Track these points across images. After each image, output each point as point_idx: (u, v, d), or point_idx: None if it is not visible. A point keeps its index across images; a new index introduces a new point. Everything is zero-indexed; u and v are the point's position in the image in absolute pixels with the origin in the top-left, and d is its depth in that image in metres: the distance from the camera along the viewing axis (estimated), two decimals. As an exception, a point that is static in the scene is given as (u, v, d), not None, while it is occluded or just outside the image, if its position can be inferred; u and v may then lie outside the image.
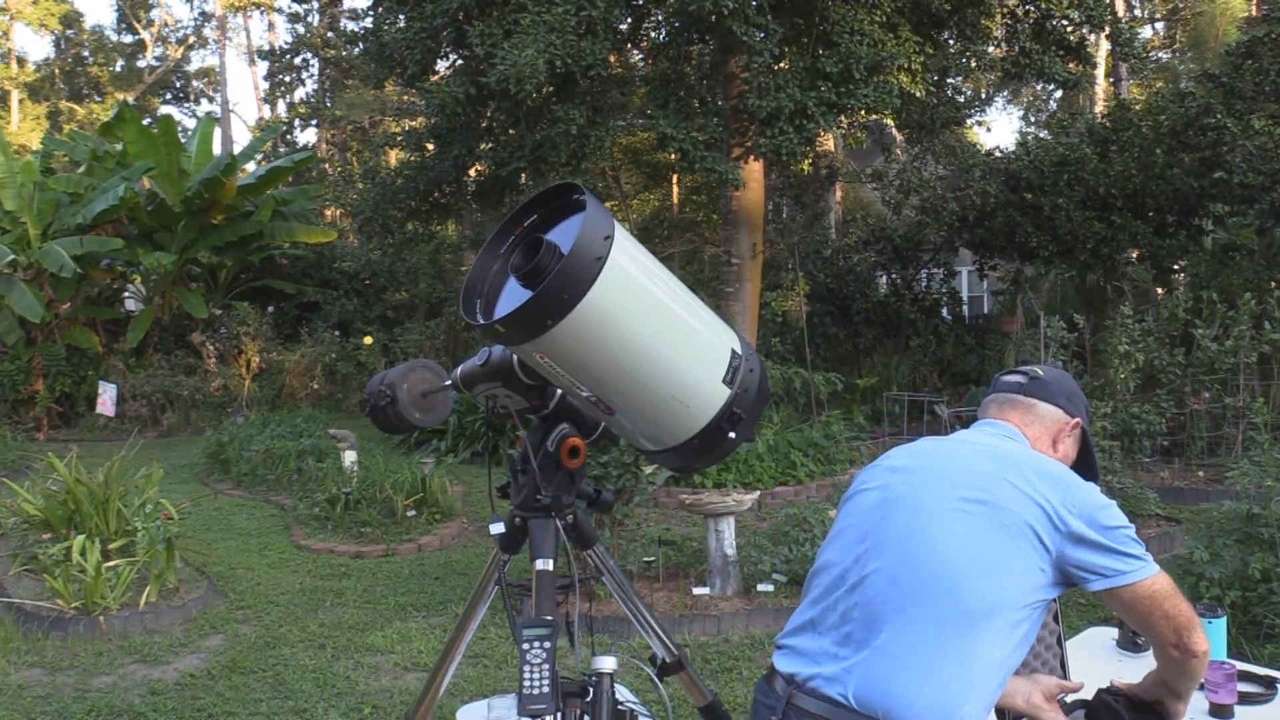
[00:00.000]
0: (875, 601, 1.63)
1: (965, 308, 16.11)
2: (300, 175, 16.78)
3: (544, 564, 1.82)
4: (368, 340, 14.18)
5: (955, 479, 1.72)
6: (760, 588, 5.04)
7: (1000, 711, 1.79)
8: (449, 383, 1.97)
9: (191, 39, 34.81)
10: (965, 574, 1.61)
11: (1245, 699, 2.11)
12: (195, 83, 36.00)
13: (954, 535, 1.65)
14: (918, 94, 9.65)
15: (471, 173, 11.70)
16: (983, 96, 19.98)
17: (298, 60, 28.02)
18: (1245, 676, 2.20)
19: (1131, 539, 1.66)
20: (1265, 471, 4.47)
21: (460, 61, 10.25)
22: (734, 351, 1.71)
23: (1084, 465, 1.92)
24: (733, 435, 1.71)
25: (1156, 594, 1.65)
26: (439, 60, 10.66)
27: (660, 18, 11.08)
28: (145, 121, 13.68)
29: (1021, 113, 30.96)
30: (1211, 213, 10.62)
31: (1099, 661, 2.36)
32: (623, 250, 1.52)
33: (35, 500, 5.91)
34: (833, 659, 1.64)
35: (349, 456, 7.57)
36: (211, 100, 35.89)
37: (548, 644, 1.64)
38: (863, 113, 9.83)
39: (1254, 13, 16.73)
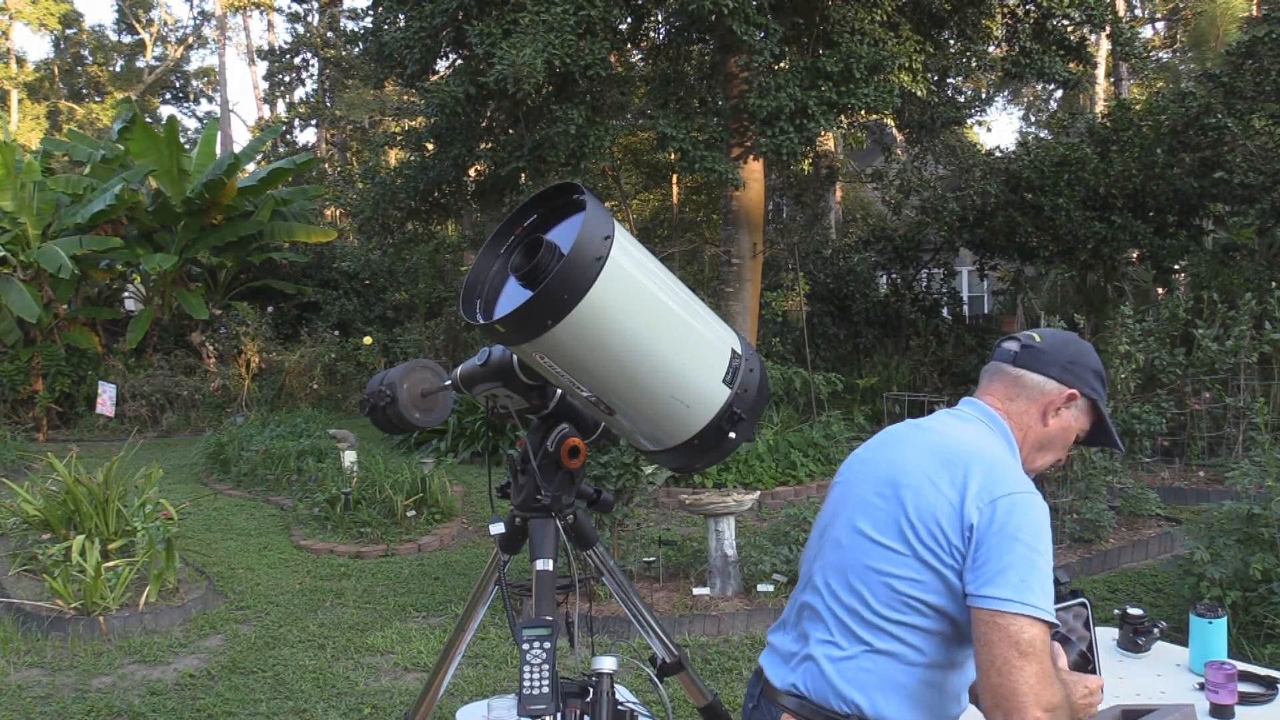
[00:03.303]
0: (815, 599, 1.71)
1: (965, 308, 16.12)
2: (300, 175, 16.77)
3: (544, 564, 1.82)
4: (367, 340, 14.18)
5: (883, 475, 1.68)
6: (760, 588, 5.04)
7: None
8: (449, 383, 1.96)
9: (191, 39, 34.86)
10: (861, 578, 1.63)
11: (1245, 699, 2.11)
12: (195, 82, 36.04)
13: (865, 533, 1.65)
14: (918, 93, 9.65)
15: (471, 173, 11.69)
16: (983, 96, 20.00)
17: (297, 60, 28.03)
18: (1245, 677, 2.19)
19: (1032, 570, 1.49)
20: (1266, 471, 4.47)
21: (460, 61, 10.25)
22: (734, 351, 1.71)
23: (1099, 438, 1.79)
24: (733, 435, 1.71)
25: (1011, 641, 1.46)
26: (439, 60, 10.65)
27: (660, 17, 11.07)
28: (147, 121, 13.65)
29: (1022, 113, 30.99)
30: (1212, 212, 10.62)
31: (1099, 663, 2.36)
32: (623, 250, 1.52)
33: (35, 500, 5.91)
34: (791, 656, 1.72)
35: (349, 456, 7.57)
36: (211, 100, 35.95)
37: (548, 644, 1.64)
38: (863, 112, 9.82)
39: (1254, 12, 16.73)
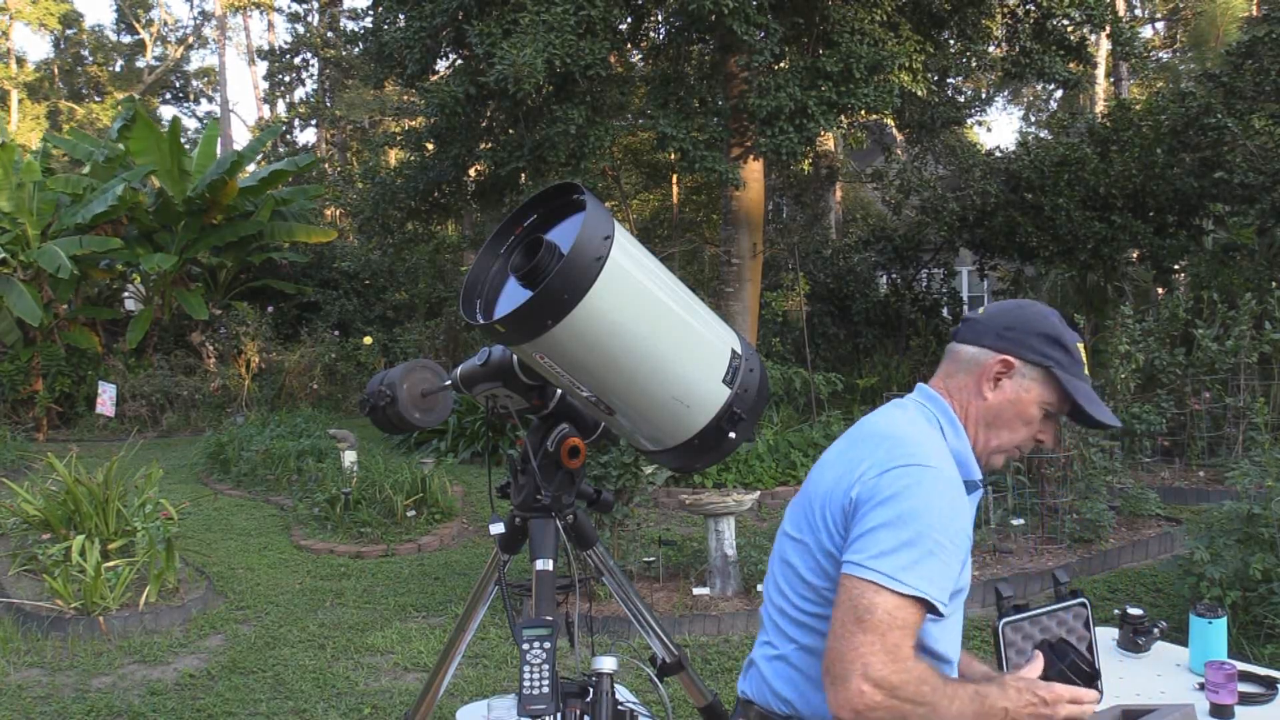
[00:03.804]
0: (762, 606, 1.73)
1: (965, 308, 16.11)
2: (300, 175, 16.77)
3: (544, 564, 1.82)
4: (367, 340, 14.18)
5: (812, 474, 1.66)
6: (760, 588, 5.04)
7: None
8: (449, 383, 1.96)
9: (191, 39, 34.86)
10: (782, 575, 1.63)
11: (1246, 699, 2.10)
12: (195, 82, 36.05)
13: (787, 531, 1.65)
14: (918, 93, 9.65)
15: (471, 173, 11.69)
16: (983, 96, 20.00)
17: (297, 60, 28.03)
18: (1246, 677, 2.19)
19: (902, 539, 1.38)
20: (1266, 471, 4.47)
21: (460, 61, 10.25)
22: (734, 351, 1.70)
23: (1081, 415, 1.59)
24: (733, 435, 1.71)
25: (850, 606, 1.37)
26: (439, 60, 10.66)
27: (660, 17, 11.07)
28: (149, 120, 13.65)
29: (1022, 113, 31.00)
30: (1212, 212, 10.62)
31: (1099, 663, 2.36)
32: (623, 250, 1.52)
33: (35, 500, 5.91)
34: (747, 664, 1.76)
35: (349, 456, 7.57)
36: (211, 100, 35.95)
37: (548, 644, 1.64)
38: (863, 112, 9.82)
39: (1254, 12, 16.73)
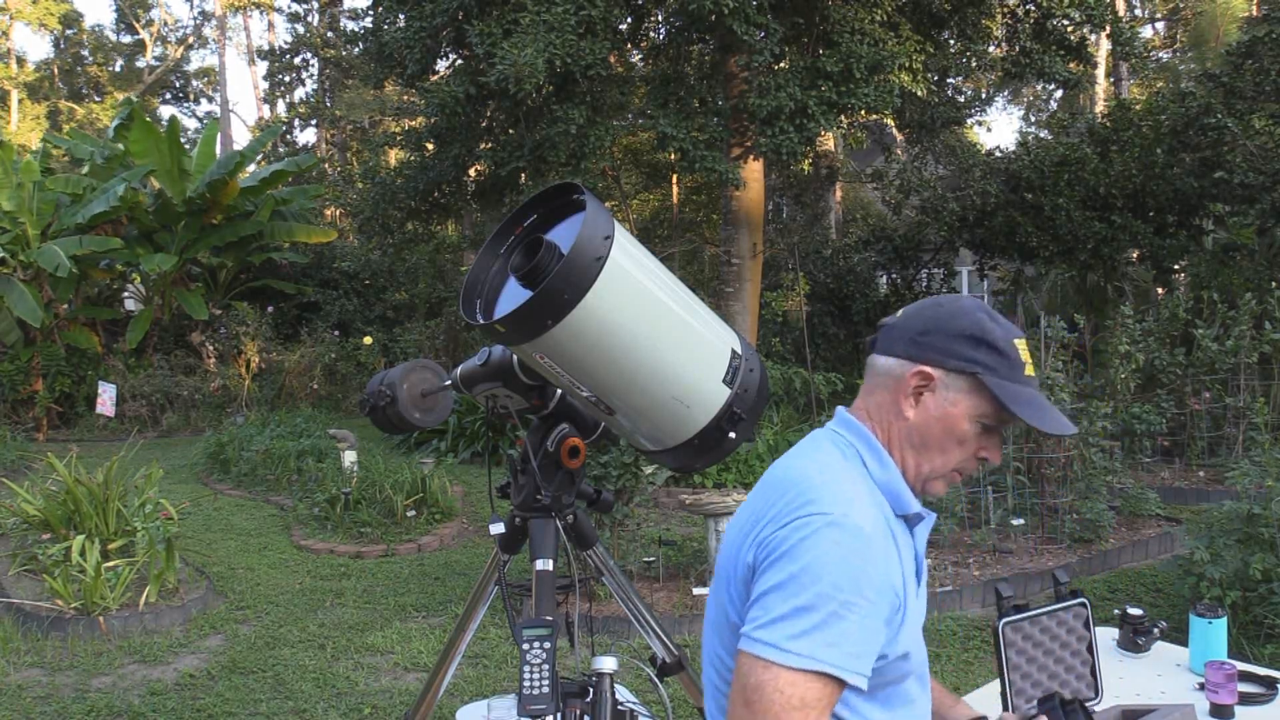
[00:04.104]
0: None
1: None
2: (300, 175, 16.78)
3: (544, 564, 1.82)
4: (368, 340, 14.18)
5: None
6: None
7: None
8: (449, 383, 1.97)
9: (191, 39, 34.86)
10: (710, 651, 1.44)
11: (1245, 699, 2.10)
12: (195, 82, 36.05)
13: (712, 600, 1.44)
14: (918, 93, 9.65)
15: (471, 173, 11.69)
16: (983, 96, 20.00)
17: (298, 60, 28.02)
18: (1245, 677, 2.19)
19: (797, 605, 1.17)
20: (1266, 471, 4.47)
21: (460, 61, 10.25)
22: (734, 351, 1.70)
23: (1031, 418, 1.33)
24: (733, 435, 1.71)
25: (739, 686, 1.19)
26: (439, 60, 10.66)
27: (660, 17, 11.07)
28: (148, 121, 13.65)
29: (1022, 113, 31.01)
30: (1212, 212, 10.62)
31: (1099, 663, 2.36)
32: (623, 250, 1.52)
33: (35, 500, 5.91)
34: None
35: (349, 456, 7.57)
36: (211, 100, 35.95)
37: (548, 644, 1.64)
38: (863, 112, 9.82)
39: (1254, 12, 16.73)
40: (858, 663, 1.18)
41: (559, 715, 1.68)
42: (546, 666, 1.62)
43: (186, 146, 17.20)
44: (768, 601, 1.19)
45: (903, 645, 1.29)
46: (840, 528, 1.20)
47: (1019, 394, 1.33)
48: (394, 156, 18.18)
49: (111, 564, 5.26)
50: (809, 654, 1.15)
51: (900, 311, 1.42)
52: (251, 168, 16.31)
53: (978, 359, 1.32)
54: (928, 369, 1.33)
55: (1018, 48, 10.26)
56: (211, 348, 13.38)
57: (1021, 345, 1.36)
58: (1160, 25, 25.45)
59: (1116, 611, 2.49)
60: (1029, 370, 1.35)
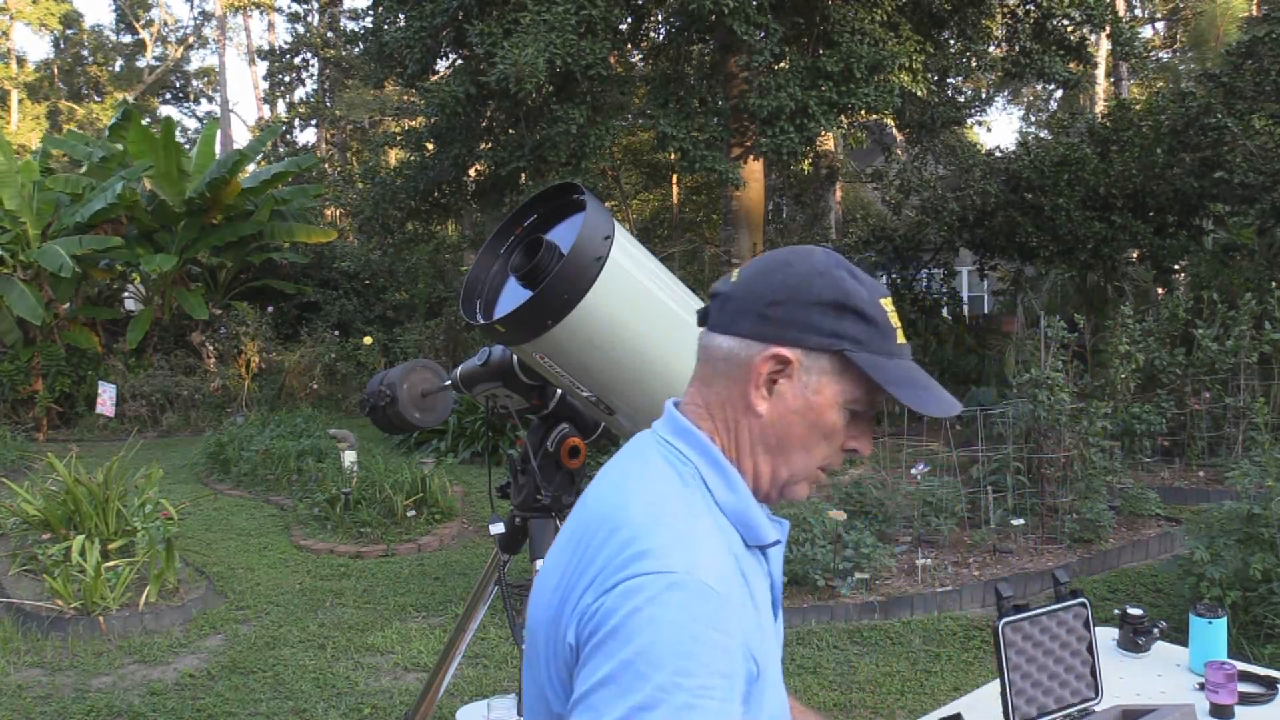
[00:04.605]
0: None
1: (965, 308, 16.11)
2: (300, 175, 16.78)
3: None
4: (368, 340, 14.18)
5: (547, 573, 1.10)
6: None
7: None
8: (449, 383, 1.97)
9: (191, 39, 34.87)
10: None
11: (1245, 699, 2.10)
12: (195, 82, 36.06)
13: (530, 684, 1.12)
14: (918, 93, 9.66)
15: (471, 172, 11.70)
16: (983, 96, 20.00)
17: (298, 60, 28.03)
18: (1245, 677, 2.19)
19: (631, 706, 0.87)
20: (1266, 471, 4.47)
21: (460, 61, 10.26)
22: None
23: (911, 400, 1.05)
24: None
25: None
26: (439, 60, 10.67)
27: (660, 17, 11.08)
28: (145, 122, 13.66)
29: (1022, 113, 31.02)
30: (1212, 212, 10.63)
31: (1099, 663, 2.36)
32: (623, 250, 1.52)
33: (35, 500, 5.91)
34: None
35: (349, 456, 7.57)
36: (211, 100, 35.96)
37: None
38: (863, 112, 9.84)
39: (1254, 12, 16.73)
40: None
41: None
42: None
43: (186, 146, 17.21)
44: (596, 701, 0.89)
45: (762, 714, 1.02)
46: (683, 590, 0.92)
47: (895, 371, 1.06)
48: (394, 156, 18.19)
49: (111, 564, 5.26)
50: None
51: (736, 273, 1.10)
52: (251, 167, 16.32)
53: (843, 331, 1.04)
54: (783, 350, 1.03)
55: (1018, 48, 10.27)
56: (211, 348, 13.39)
57: (889, 306, 1.09)
58: (1160, 25, 25.47)
59: (1116, 611, 2.49)
60: (900, 338, 1.09)
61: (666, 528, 0.97)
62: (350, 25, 25.01)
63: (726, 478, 1.06)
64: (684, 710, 0.88)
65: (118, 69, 34.44)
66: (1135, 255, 11.47)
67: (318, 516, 7.16)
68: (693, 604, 0.92)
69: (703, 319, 1.10)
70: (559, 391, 1.88)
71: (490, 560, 2.03)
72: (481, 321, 1.58)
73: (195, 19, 38.78)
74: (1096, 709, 1.91)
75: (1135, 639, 2.40)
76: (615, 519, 0.99)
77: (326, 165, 23.90)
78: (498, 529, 1.92)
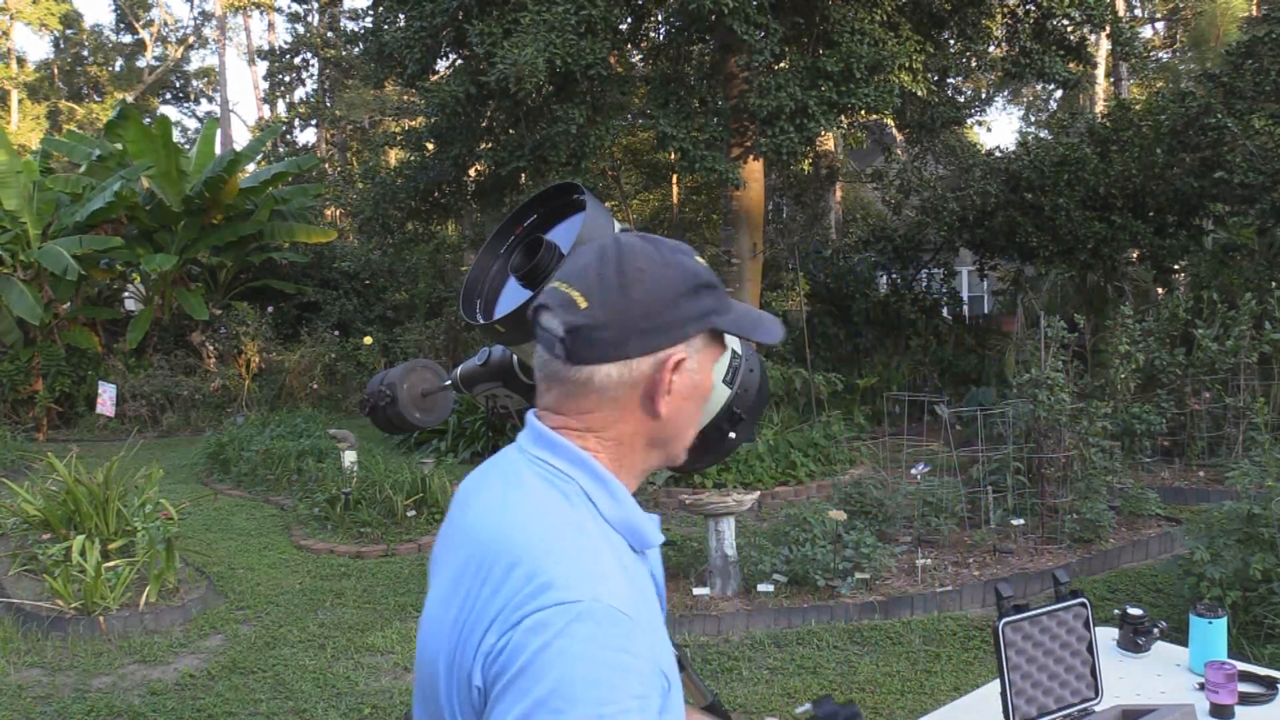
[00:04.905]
0: None
1: (965, 308, 16.12)
2: (300, 175, 16.80)
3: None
4: (368, 340, 14.19)
5: (426, 612, 1.08)
6: (760, 588, 5.04)
7: None
8: (449, 383, 1.96)
9: (191, 39, 34.87)
10: None
11: (1246, 699, 2.10)
12: (195, 83, 36.06)
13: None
14: (918, 93, 9.66)
15: (471, 172, 11.70)
16: (983, 96, 20.02)
17: (298, 60, 28.03)
18: (1246, 677, 2.19)
19: None
20: (1266, 471, 4.47)
21: (460, 61, 10.26)
22: (734, 351, 1.70)
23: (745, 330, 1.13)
24: (733, 435, 1.70)
25: None
26: (439, 60, 10.67)
27: (660, 17, 11.09)
28: (145, 121, 13.65)
29: (1021, 113, 31.02)
30: (1212, 212, 10.63)
31: (1099, 663, 2.36)
32: (623, 250, 1.52)
33: (35, 500, 5.91)
34: None
35: (349, 456, 7.57)
36: (211, 100, 35.96)
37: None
38: (863, 112, 9.83)
39: (1254, 12, 16.74)
40: None
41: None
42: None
43: (185, 146, 17.21)
44: None
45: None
46: (591, 619, 0.90)
47: (745, 318, 1.12)
48: (394, 156, 18.19)
49: (111, 564, 5.26)
50: None
51: (579, 299, 1.04)
52: (251, 167, 16.32)
53: (705, 308, 1.08)
54: (675, 352, 1.06)
55: (1018, 48, 10.27)
56: (211, 348, 13.39)
57: (701, 260, 1.11)
58: (1160, 25, 25.47)
59: (1116, 611, 2.49)
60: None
61: (565, 555, 0.96)
62: (350, 25, 25.04)
63: (610, 489, 1.06)
64: None
65: (118, 69, 34.44)
66: (1135, 255, 11.48)
67: (318, 516, 7.17)
68: (601, 632, 0.90)
69: (554, 348, 1.05)
70: (559, 391, 1.88)
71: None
72: (481, 321, 1.58)
73: (195, 19, 38.81)
74: (1096, 709, 1.91)
75: (1135, 639, 2.40)
76: (512, 551, 0.97)
77: (326, 165, 23.91)
78: (498, 529, 1.92)
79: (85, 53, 34.04)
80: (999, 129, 51.85)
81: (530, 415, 1.12)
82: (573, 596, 0.91)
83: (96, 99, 33.38)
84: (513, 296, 1.63)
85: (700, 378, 1.10)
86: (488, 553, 0.99)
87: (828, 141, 15.93)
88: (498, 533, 1.00)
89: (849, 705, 1.52)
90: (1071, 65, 10.40)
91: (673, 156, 10.81)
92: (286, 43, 28.19)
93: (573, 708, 0.86)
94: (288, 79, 28.81)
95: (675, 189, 18.97)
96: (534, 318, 1.09)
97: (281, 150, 24.25)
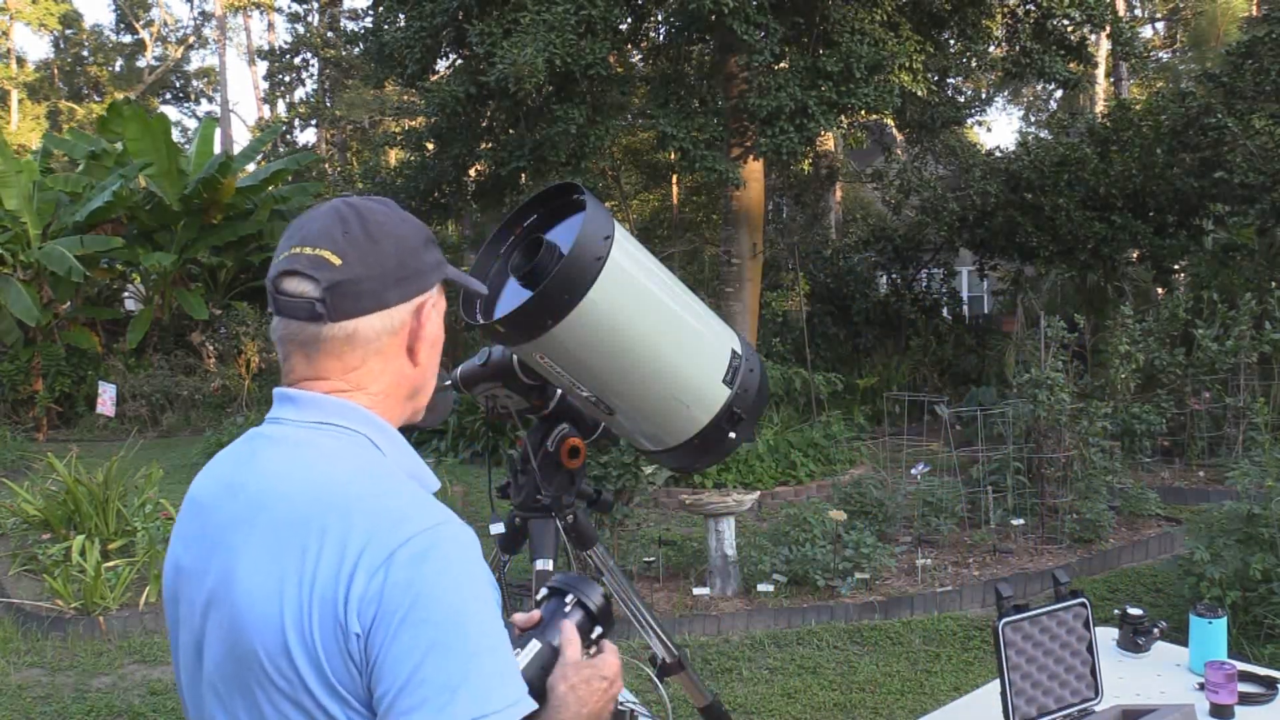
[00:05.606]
0: None
1: (965, 308, 16.12)
2: (300, 174, 16.79)
3: (544, 564, 1.82)
4: (368, 340, 14.18)
5: (220, 616, 1.04)
6: (760, 588, 5.04)
7: None
8: (449, 383, 1.96)
9: (191, 39, 34.87)
10: None
11: (1245, 699, 2.10)
12: (195, 83, 36.06)
13: None
14: (918, 93, 9.65)
15: (471, 172, 11.70)
16: (983, 96, 20.02)
17: (298, 60, 28.03)
18: (1245, 677, 2.19)
19: (468, 657, 0.93)
20: (1266, 472, 4.47)
21: (460, 61, 10.26)
22: (734, 351, 1.70)
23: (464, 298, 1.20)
24: (733, 435, 1.71)
25: None
26: (439, 60, 10.66)
27: (660, 17, 11.08)
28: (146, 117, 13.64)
29: (1021, 113, 31.02)
30: (1212, 213, 10.63)
31: (1099, 663, 2.36)
32: (623, 250, 1.52)
33: (35, 500, 5.91)
34: None
35: (349, 456, 7.55)
36: (211, 100, 35.95)
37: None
38: (863, 112, 9.83)
39: (1254, 12, 16.74)
40: (521, 684, 0.99)
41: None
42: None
43: (185, 146, 17.20)
44: (428, 674, 0.90)
45: None
46: (453, 537, 1.00)
47: (459, 271, 1.22)
48: (394, 156, 18.19)
49: (111, 564, 5.26)
50: (516, 698, 0.95)
51: (331, 256, 1.06)
52: (251, 167, 16.31)
53: (438, 257, 1.16)
54: (427, 299, 1.14)
55: (1018, 48, 10.26)
56: (211, 348, 13.38)
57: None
58: (1160, 25, 25.47)
59: (1116, 611, 2.49)
60: None
61: (398, 493, 1.02)
62: (350, 25, 25.01)
63: (392, 439, 1.12)
64: (499, 638, 0.97)
65: (118, 69, 34.45)
66: (1135, 255, 11.48)
67: (318, 516, 7.16)
68: (461, 547, 1.00)
69: (309, 313, 1.06)
70: (559, 391, 1.88)
71: (490, 561, 2.03)
72: (481, 322, 1.58)
73: (195, 19, 38.76)
74: (1096, 709, 1.91)
75: (1135, 639, 2.40)
76: (343, 503, 0.99)
77: (326, 165, 23.90)
78: (497, 529, 1.92)
79: (85, 53, 34.05)
80: (999, 129, 51.87)
81: (283, 389, 1.12)
82: (429, 523, 0.99)
83: (97, 99, 33.37)
84: (513, 297, 1.63)
85: (438, 327, 1.17)
86: (313, 511, 0.99)
87: (828, 141, 15.92)
88: (317, 490, 1.01)
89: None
90: (1071, 65, 10.39)
91: (673, 156, 10.81)
92: (286, 43, 28.20)
93: (469, 619, 0.94)
94: (288, 79, 28.81)
95: (675, 189, 18.96)
96: (275, 288, 1.08)
97: (281, 150, 24.25)
